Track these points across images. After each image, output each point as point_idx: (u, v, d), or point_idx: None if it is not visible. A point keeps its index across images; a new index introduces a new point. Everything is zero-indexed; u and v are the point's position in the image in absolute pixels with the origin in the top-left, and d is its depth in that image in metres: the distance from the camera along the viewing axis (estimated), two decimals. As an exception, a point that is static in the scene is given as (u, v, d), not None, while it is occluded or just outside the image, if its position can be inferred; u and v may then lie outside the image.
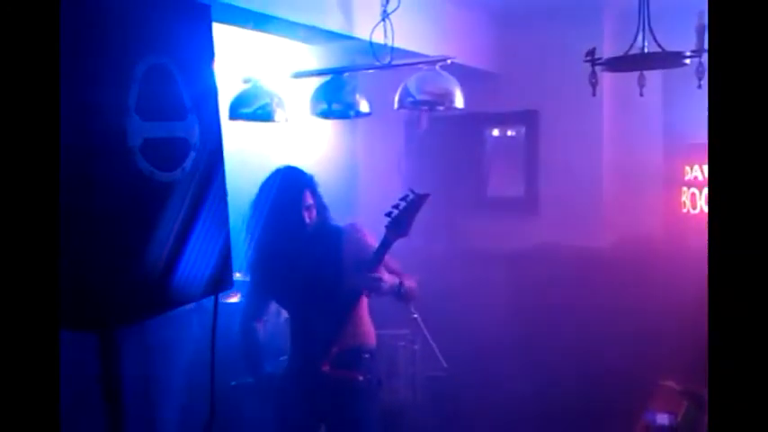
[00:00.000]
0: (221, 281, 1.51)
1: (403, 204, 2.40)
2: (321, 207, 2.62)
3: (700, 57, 2.60)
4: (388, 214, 2.41)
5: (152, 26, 1.33)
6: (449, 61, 3.10)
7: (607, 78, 3.41)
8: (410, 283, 2.60)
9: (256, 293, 2.72)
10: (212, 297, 1.54)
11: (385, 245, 2.44)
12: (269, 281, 2.66)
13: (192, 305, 1.63)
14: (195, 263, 1.42)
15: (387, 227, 2.42)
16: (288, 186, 2.58)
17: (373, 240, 2.55)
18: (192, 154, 1.43)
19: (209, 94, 1.48)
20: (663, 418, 2.18)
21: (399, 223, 2.41)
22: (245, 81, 3.57)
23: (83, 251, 1.22)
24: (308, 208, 2.57)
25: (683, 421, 2.24)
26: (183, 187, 1.41)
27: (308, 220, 2.55)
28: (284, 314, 2.94)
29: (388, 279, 2.49)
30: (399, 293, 2.53)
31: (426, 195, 2.41)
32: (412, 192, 2.42)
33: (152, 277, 1.32)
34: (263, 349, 2.74)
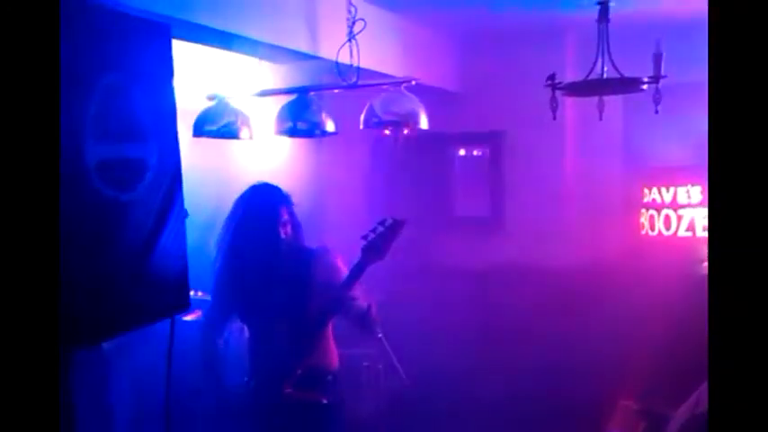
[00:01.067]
0: (178, 304, 1.49)
1: (381, 229, 2.41)
2: (295, 225, 2.62)
3: (657, 83, 2.67)
4: (365, 237, 2.41)
5: (109, 45, 1.32)
6: (413, 82, 3.14)
7: (569, 101, 3.48)
8: (373, 305, 2.59)
9: (221, 309, 2.69)
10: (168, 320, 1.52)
11: (360, 268, 2.44)
12: (236, 297, 2.63)
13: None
14: (151, 284, 1.40)
15: (363, 249, 2.41)
16: (265, 202, 2.58)
17: (342, 263, 2.56)
18: (149, 175, 1.41)
19: (167, 113, 1.47)
20: (621, 438, 2.20)
21: (376, 248, 2.40)
22: (210, 98, 3.55)
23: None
24: (284, 224, 2.56)
25: (640, 441, 2.26)
26: (139, 208, 1.39)
27: (283, 236, 2.54)
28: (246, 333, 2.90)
29: (360, 303, 2.48)
30: (365, 318, 2.52)
31: (404, 222, 2.42)
32: (391, 218, 2.43)
33: (107, 298, 1.30)
34: (225, 366, 2.70)
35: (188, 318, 3.34)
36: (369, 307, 2.50)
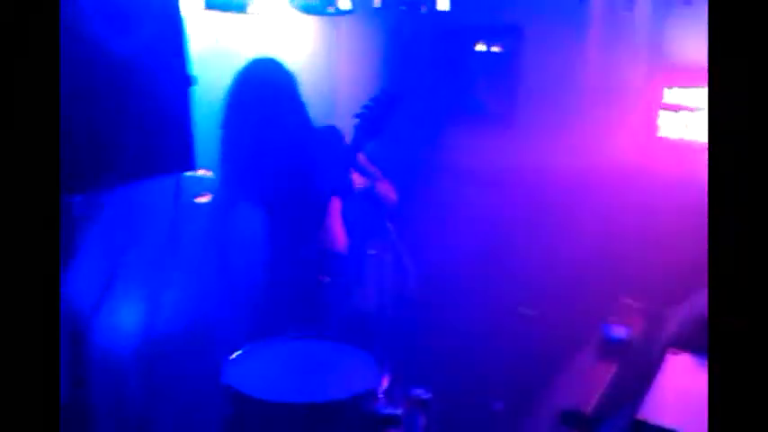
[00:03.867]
0: (182, 160, 1.45)
1: (372, 104, 2.32)
2: (299, 103, 2.54)
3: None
4: (358, 115, 2.33)
5: None
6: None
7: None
8: (384, 186, 2.57)
9: (228, 189, 2.66)
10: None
11: (355, 146, 2.37)
12: (241, 177, 2.60)
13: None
14: (153, 137, 1.35)
15: (355, 128, 2.34)
16: (266, 78, 2.48)
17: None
18: (150, 23, 1.33)
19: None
20: (619, 331, 2.22)
21: (369, 124, 2.32)
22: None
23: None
24: (287, 101, 2.48)
25: (638, 336, 2.29)
26: (139, 61, 1.32)
27: (286, 117, 2.48)
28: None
29: (359, 180, 2.45)
30: (371, 195, 2.50)
31: (398, 96, 2.33)
32: (383, 92, 2.33)
33: (107, 148, 1.26)
34: (235, 244, 2.72)
35: (200, 200, 3.32)
36: (372, 186, 2.46)
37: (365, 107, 2.32)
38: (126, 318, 2.66)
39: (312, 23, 4.24)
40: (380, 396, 1.81)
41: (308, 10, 3.30)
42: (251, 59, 2.52)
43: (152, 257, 2.94)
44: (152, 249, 2.97)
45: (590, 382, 2.04)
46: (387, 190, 2.57)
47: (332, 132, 2.56)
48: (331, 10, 3.25)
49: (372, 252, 3.82)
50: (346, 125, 2.60)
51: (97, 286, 2.46)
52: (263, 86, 2.47)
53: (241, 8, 3.35)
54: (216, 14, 3.36)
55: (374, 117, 2.32)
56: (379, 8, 3.05)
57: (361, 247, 2.94)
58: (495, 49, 4.42)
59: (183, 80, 1.50)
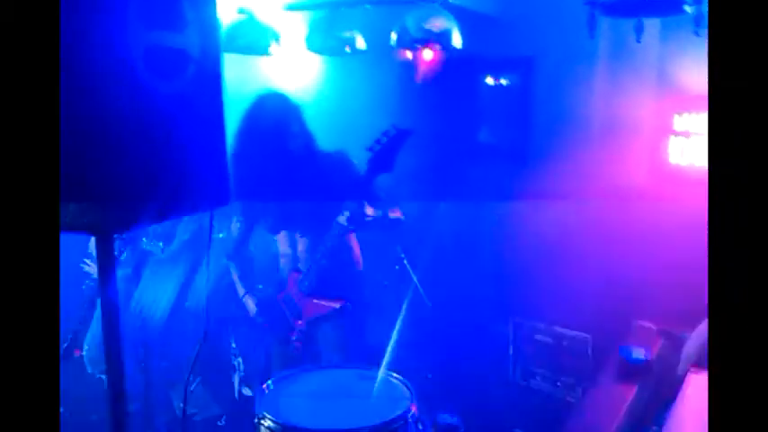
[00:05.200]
0: (219, 196, 1.53)
1: (384, 139, 2.40)
2: (305, 133, 2.62)
3: (699, 4, 2.59)
4: (370, 149, 2.41)
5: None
6: (447, -1, 3.08)
7: (606, 24, 3.39)
8: (395, 213, 2.64)
9: (242, 221, 2.76)
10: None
11: (368, 180, 2.45)
12: (254, 207, 2.69)
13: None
14: (193, 175, 1.43)
15: (368, 161, 2.42)
16: (273, 111, 2.58)
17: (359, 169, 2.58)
18: (192, 67, 1.43)
19: (208, 6, 1.47)
20: (639, 353, 2.26)
21: (381, 159, 2.40)
22: (240, 12, 3.52)
23: (85, 157, 1.23)
24: (293, 132, 2.57)
25: (657, 357, 2.32)
26: (181, 99, 1.42)
27: (292, 147, 2.56)
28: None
29: (371, 212, 2.52)
30: (383, 224, 2.58)
31: (408, 131, 2.40)
32: (394, 127, 2.40)
33: (150, 186, 1.34)
34: (252, 272, 2.81)
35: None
36: (384, 215, 2.53)
37: (377, 141, 2.41)
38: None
39: (329, 63, 4.38)
40: (410, 422, 1.85)
41: (325, 51, 3.42)
42: (259, 93, 2.62)
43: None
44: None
45: (611, 405, 2.07)
46: (398, 218, 2.64)
47: (341, 157, 2.64)
48: (347, 50, 3.37)
49: (386, 283, 3.88)
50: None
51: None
52: (272, 117, 2.57)
53: (263, 51, 3.48)
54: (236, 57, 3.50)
55: (385, 151, 2.40)
56: (393, 47, 3.16)
57: (375, 275, 3.01)
58: (503, 81, 4.52)
59: (220, 119, 1.58)
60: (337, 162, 2.60)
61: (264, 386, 2.01)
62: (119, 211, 1.29)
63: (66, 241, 1.23)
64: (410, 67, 4.30)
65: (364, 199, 2.47)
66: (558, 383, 3.43)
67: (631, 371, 2.21)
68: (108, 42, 1.21)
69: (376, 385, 2.04)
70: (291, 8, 3.56)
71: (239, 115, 2.57)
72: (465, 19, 3.35)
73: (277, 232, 2.75)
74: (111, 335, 1.35)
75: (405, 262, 3.84)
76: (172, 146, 1.39)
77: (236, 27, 3.49)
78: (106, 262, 1.36)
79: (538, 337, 3.57)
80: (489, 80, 4.55)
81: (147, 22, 1.29)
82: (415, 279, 3.84)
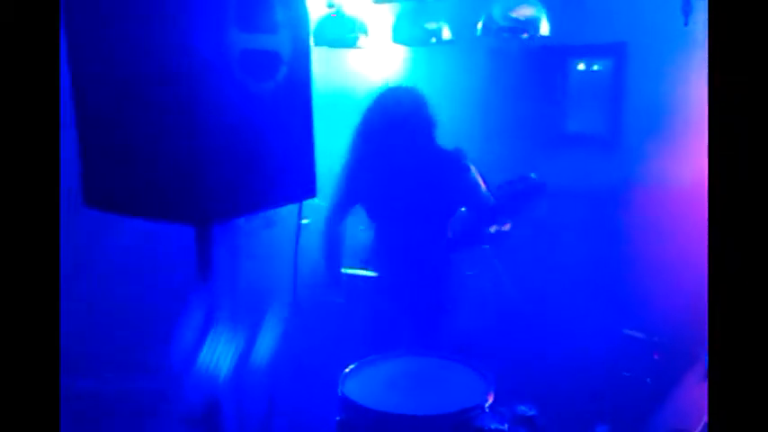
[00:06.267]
0: (306, 190, 1.61)
1: (520, 186, 2.56)
2: (429, 125, 2.69)
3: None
4: (500, 188, 2.53)
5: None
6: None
7: (701, 6, 3.24)
8: (506, 227, 2.70)
9: (346, 198, 2.84)
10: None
11: (488, 223, 2.66)
12: (362, 187, 2.77)
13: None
14: (282, 169, 1.52)
15: (492, 207, 2.56)
16: (401, 104, 2.66)
17: (474, 170, 2.63)
18: (284, 68, 1.51)
19: (299, 5, 1.54)
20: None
21: (507, 207, 2.55)
22: (329, 6, 3.60)
23: (183, 151, 1.33)
24: (419, 125, 2.64)
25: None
26: (273, 99, 1.50)
27: (417, 138, 2.63)
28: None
29: (494, 229, 2.61)
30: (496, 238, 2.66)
31: (544, 185, 2.50)
32: (533, 179, 2.53)
33: (244, 179, 1.43)
34: (343, 252, 2.90)
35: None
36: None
37: (509, 183, 2.52)
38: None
39: (416, 54, 4.41)
40: (487, 411, 1.88)
41: (411, 42, 3.46)
42: (384, 87, 2.72)
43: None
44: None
45: (697, 406, 2.02)
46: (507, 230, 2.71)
47: (459, 156, 2.68)
48: (433, 41, 3.39)
49: (470, 273, 3.89)
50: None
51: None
52: (407, 107, 2.66)
53: (351, 44, 3.54)
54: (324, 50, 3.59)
55: (512, 200, 2.51)
56: (480, 36, 3.15)
57: (459, 267, 3.04)
58: (595, 67, 4.41)
59: (309, 116, 1.65)
60: (453, 161, 2.66)
61: (347, 369, 2.08)
62: (217, 203, 1.39)
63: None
64: (497, 55, 4.28)
65: (492, 223, 2.62)
66: (648, 380, 3.35)
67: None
68: (208, 47, 1.30)
69: (455, 373, 2.07)
70: (379, 1, 3.60)
71: (364, 107, 2.67)
72: (553, 5, 3.28)
73: (379, 216, 2.82)
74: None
75: (489, 254, 3.84)
76: (265, 142, 1.47)
77: (325, 21, 3.58)
78: (205, 253, 1.46)
79: (626, 331, 3.49)
80: (581, 66, 4.45)
81: (241, 25, 1.36)
82: (499, 269, 3.83)
